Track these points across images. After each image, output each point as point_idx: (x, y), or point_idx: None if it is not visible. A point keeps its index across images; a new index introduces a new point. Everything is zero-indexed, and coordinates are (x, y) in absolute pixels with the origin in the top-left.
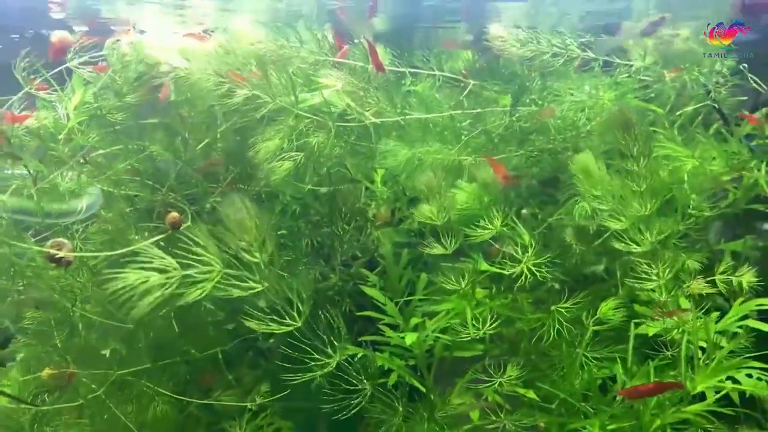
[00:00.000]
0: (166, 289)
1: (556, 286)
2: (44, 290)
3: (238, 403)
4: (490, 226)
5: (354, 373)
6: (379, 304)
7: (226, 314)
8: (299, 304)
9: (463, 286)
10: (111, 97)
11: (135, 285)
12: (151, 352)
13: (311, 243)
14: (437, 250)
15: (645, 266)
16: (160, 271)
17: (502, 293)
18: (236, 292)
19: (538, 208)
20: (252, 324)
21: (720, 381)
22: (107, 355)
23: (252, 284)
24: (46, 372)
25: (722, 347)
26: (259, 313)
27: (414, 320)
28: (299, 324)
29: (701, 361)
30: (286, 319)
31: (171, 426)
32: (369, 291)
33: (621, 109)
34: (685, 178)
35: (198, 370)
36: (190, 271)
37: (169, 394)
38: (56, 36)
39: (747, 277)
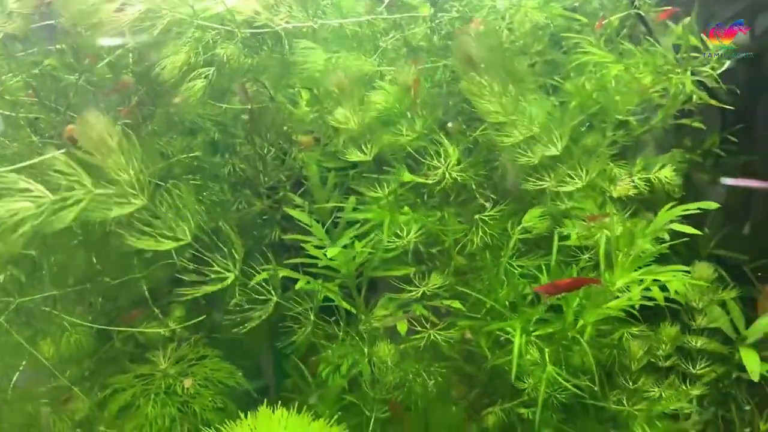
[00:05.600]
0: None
1: (486, 204)
2: None
3: (161, 334)
4: (410, 132)
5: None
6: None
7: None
8: (188, 222)
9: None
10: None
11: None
12: (60, 281)
13: (234, 168)
14: (356, 156)
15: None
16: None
17: (428, 209)
18: (113, 212)
19: (465, 125)
20: (135, 240)
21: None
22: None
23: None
24: None
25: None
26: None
27: (342, 240)
28: (188, 240)
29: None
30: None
31: (89, 357)
32: (293, 213)
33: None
34: (612, 84)
35: (124, 306)
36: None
37: (78, 321)
38: None
39: (665, 172)
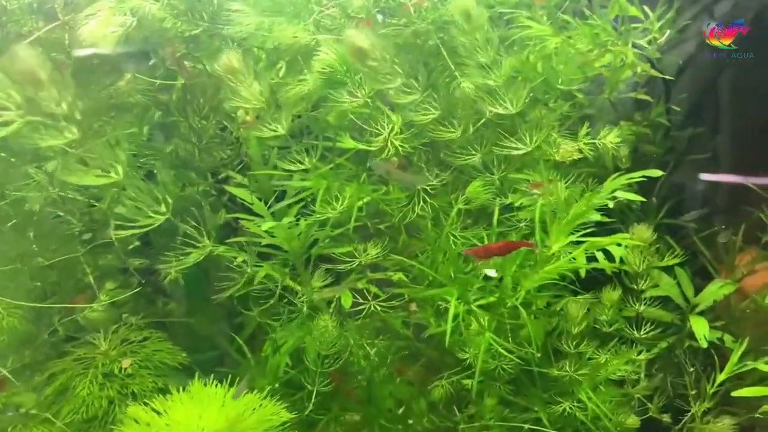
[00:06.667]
0: None
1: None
2: None
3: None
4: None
5: None
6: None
7: (84, 224)
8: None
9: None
10: None
11: None
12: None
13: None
14: (268, 131)
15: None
16: None
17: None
18: (49, 141)
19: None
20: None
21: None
22: None
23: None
24: None
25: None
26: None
27: (286, 219)
28: (120, 178)
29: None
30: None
31: (25, 340)
32: (234, 190)
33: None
34: (552, 56)
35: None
36: None
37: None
38: None
39: (610, 137)
